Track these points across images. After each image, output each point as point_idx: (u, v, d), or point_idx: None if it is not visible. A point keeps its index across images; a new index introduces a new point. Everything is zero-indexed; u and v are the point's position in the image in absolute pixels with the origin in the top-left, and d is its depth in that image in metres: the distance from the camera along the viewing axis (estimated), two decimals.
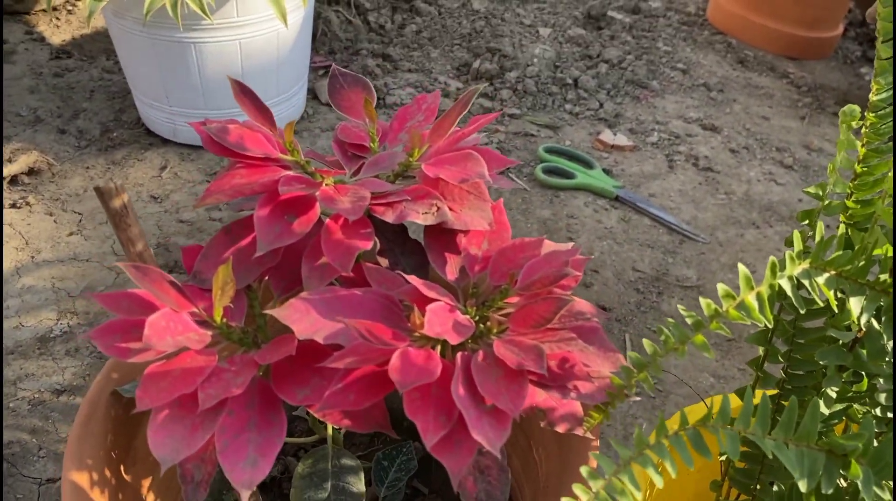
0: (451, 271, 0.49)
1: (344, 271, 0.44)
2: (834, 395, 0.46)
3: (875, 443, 0.36)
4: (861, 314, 0.39)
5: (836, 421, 0.46)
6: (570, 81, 1.64)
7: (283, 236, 0.45)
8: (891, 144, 0.43)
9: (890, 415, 0.43)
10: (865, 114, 0.44)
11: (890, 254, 0.40)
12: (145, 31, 1.16)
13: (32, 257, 1.09)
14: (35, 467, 0.83)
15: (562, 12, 1.93)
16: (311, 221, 0.46)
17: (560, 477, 0.52)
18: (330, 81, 0.57)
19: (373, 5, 1.78)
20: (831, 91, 1.77)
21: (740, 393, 0.48)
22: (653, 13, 1.99)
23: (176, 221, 1.18)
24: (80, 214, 1.17)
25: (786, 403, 0.48)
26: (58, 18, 1.68)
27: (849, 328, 0.44)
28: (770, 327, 0.47)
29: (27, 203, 1.18)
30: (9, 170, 1.20)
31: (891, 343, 0.40)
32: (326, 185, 0.47)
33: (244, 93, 0.51)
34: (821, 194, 0.47)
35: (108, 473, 0.51)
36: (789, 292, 0.38)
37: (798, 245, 0.40)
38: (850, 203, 0.45)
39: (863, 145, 0.44)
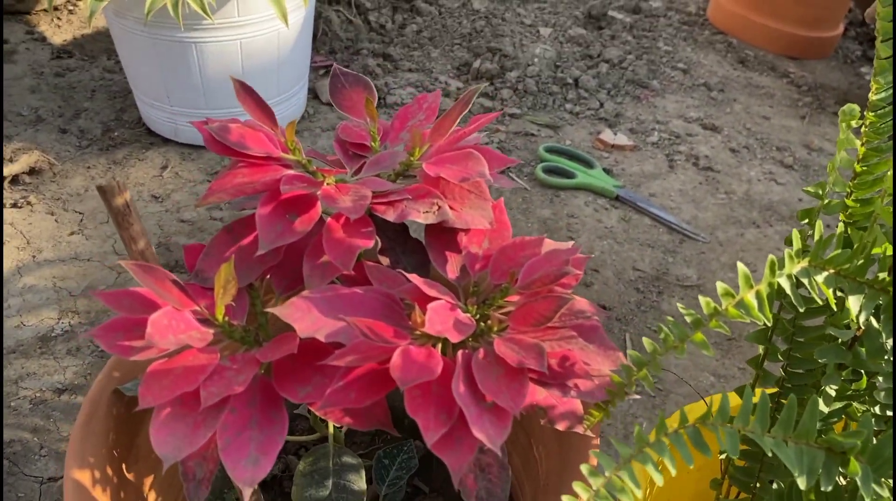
0: (452, 270, 0.49)
1: (345, 270, 0.44)
2: (833, 393, 0.46)
3: (874, 441, 0.36)
4: (860, 312, 0.39)
5: (836, 420, 0.47)
6: (570, 81, 1.64)
7: (285, 234, 0.45)
8: (890, 142, 0.43)
9: (889, 413, 0.43)
10: (865, 113, 0.44)
11: (888, 253, 0.40)
12: (146, 31, 1.17)
13: (34, 257, 1.09)
14: (36, 466, 0.83)
15: (562, 12, 1.93)
16: (312, 219, 0.46)
17: (560, 475, 0.52)
18: (331, 80, 0.57)
19: (373, 5, 1.78)
20: (832, 91, 1.77)
21: (740, 392, 0.48)
22: (653, 13, 1.99)
23: (177, 220, 1.18)
24: (81, 213, 1.18)
25: (785, 401, 0.48)
26: (59, 18, 1.68)
27: (848, 327, 0.44)
28: (770, 325, 0.48)
29: (28, 203, 1.18)
30: (10, 169, 1.21)
31: (889, 341, 0.40)
32: (328, 184, 0.48)
33: (246, 92, 0.51)
34: (820, 193, 0.47)
35: (109, 471, 0.51)
36: (788, 291, 0.38)
37: (797, 244, 0.40)
38: (849, 202, 0.45)
39: (862, 144, 0.44)
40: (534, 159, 1.40)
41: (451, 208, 0.48)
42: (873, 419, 0.43)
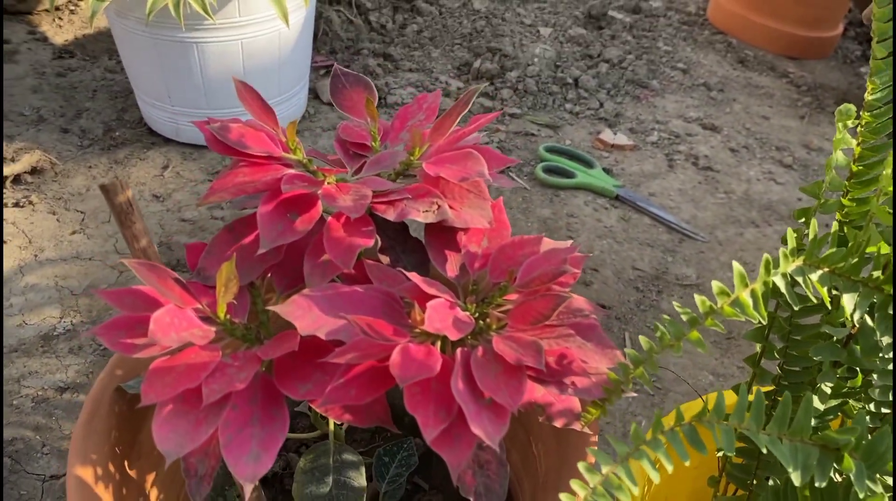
0: (452, 269, 0.49)
1: (346, 269, 0.44)
2: (829, 390, 0.46)
3: (868, 437, 0.36)
4: (854, 310, 0.39)
5: (833, 417, 0.47)
6: (570, 81, 1.64)
7: (286, 233, 0.45)
8: (887, 141, 0.44)
9: (884, 410, 0.44)
10: (861, 113, 0.45)
11: (883, 251, 0.40)
12: (148, 31, 1.17)
13: (35, 256, 1.09)
14: (39, 464, 0.84)
15: (562, 12, 1.94)
16: (313, 219, 0.46)
17: (559, 472, 0.52)
18: (332, 80, 0.58)
19: (374, 5, 1.79)
20: (831, 91, 1.78)
21: (736, 390, 0.49)
22: (653, 13, 1.99)
23: (178, 219, 1.18)
24: (82, 212, 1.18)
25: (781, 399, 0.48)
26: (60, 18, 1.68)
27: (843, 325, 0.45)
28: (766, 323, 0.48)
29: (30, 202, 1.19)
30: (12, 169, 1.21)
31: (884, 339, 0.40)
32: (328, 183, 0.48)
33: (247, 92, 0.52)
34: (817, 192, 0.47)
35: (112, 468, 0.52)
36: (783, 290, 0.39)
37: (792, 243, 0.40)
38: (846, 201, 0.46)
39: (858, 144, 0.45)
40: (534, 159, 1.40)
41: (450, 207, 0.49)
42: (868, 417, 0.43)
